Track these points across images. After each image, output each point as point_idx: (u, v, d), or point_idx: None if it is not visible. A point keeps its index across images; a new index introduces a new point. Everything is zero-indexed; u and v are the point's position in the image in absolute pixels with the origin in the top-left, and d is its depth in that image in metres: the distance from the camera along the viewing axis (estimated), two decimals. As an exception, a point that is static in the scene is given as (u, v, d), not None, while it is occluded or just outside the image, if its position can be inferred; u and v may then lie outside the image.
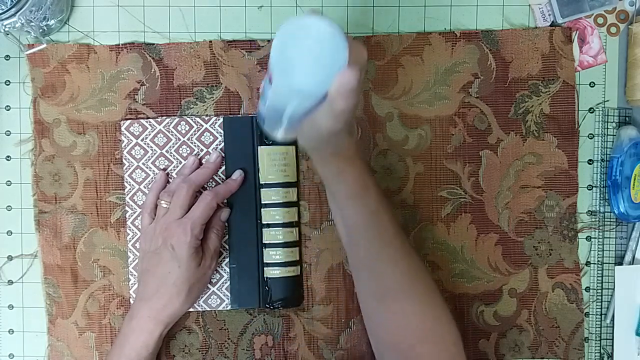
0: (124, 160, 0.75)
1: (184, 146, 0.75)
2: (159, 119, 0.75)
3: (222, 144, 0.75)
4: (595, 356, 0.76)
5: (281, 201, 0.73)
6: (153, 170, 0.75)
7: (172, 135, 0.75)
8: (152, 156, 0.75)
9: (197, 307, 0.75)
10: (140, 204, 0.75)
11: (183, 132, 0.75)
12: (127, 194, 0.75)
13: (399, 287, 0.64)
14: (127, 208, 0.75)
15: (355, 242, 0.66)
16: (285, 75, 0.49)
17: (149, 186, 0.74)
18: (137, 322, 0.69)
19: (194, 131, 0.75)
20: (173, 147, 0.75)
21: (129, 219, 0.75)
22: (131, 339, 0.69)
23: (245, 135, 0.74)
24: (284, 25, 0.49)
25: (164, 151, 0.75)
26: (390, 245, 0.64)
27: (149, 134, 0.75)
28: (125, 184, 0.75)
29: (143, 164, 0.75)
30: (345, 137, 0.61)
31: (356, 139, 0.74)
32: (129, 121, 0.75)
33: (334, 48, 0.49)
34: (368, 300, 0.66)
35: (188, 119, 0.74)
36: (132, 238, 0.75)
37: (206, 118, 0.74)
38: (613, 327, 0.76)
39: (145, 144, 0.75)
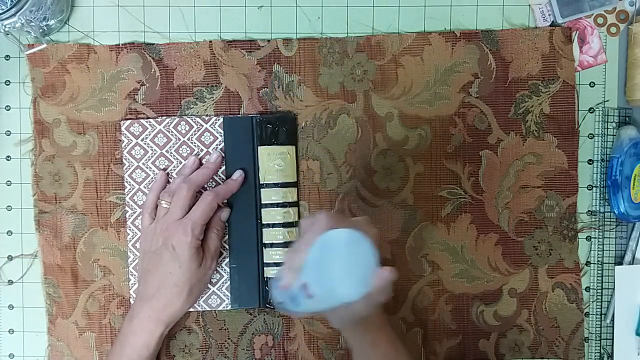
0: (124, 160, 0.75)
1: (184, 146, 0.75)
2: (159, 119, 0.75)
3: (222, 144, 0.74)
4: (595, 356, 0.76)
5: (281, 201, 0.73)
6: (153, 170, 0.75)
7: (172, 135, 0.75)
8: (152, 156, 0.75)
9: (197, 307, 0.74)
10: (140, 204, 0.75)
11: (183, 132, 0.75)
12: (127, 194, 0.75)
13: None
14: (127, 208, 0.75)
15: None
16: (326, 287, 0.55)
17: (149, 186, 0.74)
18: (137, 322, 0.69)
19: (194, 131, 0.75)
20: (173, 147, 0.75)
21: (129, 219, 0.75)
22: (132, 339, 0.69)
23: (245, 135, 0.74)
24: (314, 245, 0.54)
25: (164, 151, 0.75)
26: None
27: (149, 134, 0.75)
28: (125, 184, 0.75)
29: (143, 164, 0.75)
30: (376, 311, 0.64)
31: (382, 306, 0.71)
32: (129, 121, 0.75)
33: (362, 249, 0.55)
34: None
35: (188, 119, 0.74)
36: (132, 238, 0.75)
37: (206, 118, 0.74)
38: (613, 327, 0.76)
39: (145, 144, 0.75)
